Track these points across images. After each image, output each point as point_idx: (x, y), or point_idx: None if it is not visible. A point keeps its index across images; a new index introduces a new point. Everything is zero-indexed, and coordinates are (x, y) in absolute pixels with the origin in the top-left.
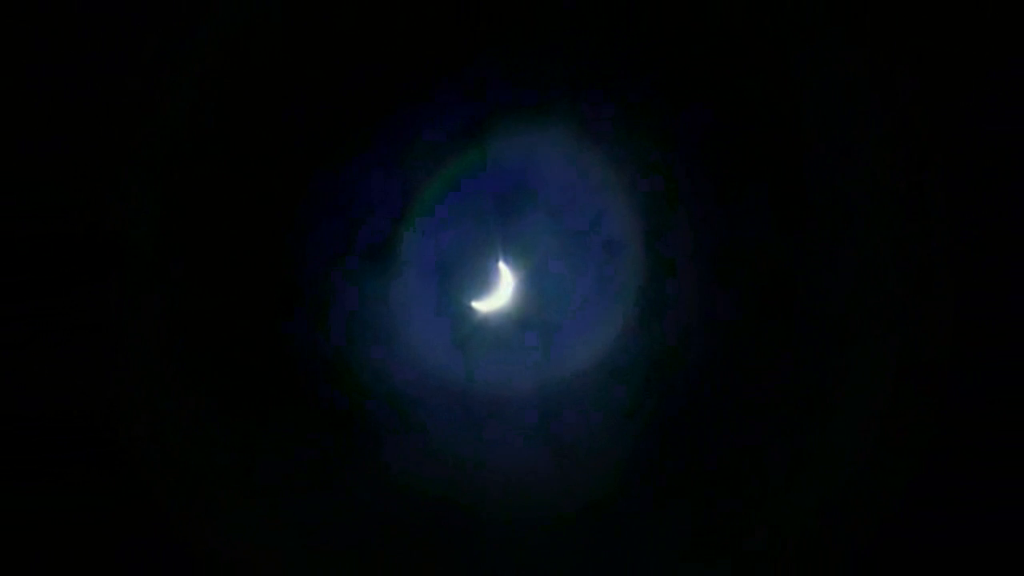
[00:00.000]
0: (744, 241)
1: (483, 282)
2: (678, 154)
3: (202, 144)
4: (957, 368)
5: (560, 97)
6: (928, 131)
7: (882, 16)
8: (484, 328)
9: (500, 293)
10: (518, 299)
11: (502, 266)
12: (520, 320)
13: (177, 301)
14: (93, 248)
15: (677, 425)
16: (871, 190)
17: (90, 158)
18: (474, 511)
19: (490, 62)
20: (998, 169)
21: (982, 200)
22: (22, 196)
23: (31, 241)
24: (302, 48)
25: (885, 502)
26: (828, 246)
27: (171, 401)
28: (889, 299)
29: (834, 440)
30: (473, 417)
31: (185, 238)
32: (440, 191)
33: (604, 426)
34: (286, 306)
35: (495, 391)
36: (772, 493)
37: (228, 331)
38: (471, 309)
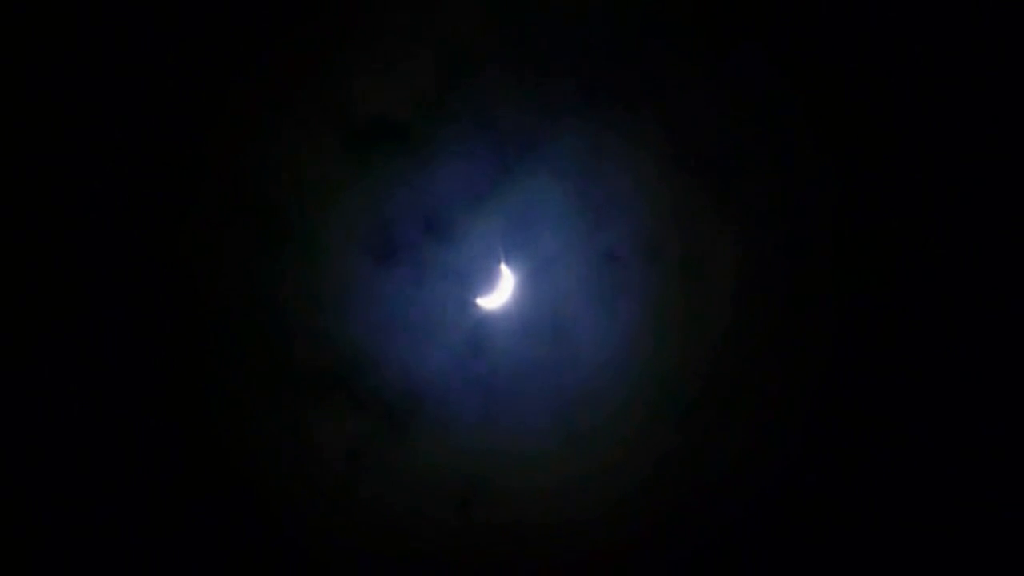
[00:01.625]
0: (733, 247)
1: (490, 283)
2: (676, 169)
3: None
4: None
5: (568, 114)
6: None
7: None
8: (490, 323)
9: (503, 293)
10: (521, 298)
11: (505, 269)
12: (522, 317)
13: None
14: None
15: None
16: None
17: (157, 179)
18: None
19: (503, 88)
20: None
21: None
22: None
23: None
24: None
25: None
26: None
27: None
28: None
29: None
30: (487, 399)
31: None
32: (457, 204)
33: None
34: (327, 306)
35: (506, 378)
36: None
37: (283, 331)
38: (478, 307)
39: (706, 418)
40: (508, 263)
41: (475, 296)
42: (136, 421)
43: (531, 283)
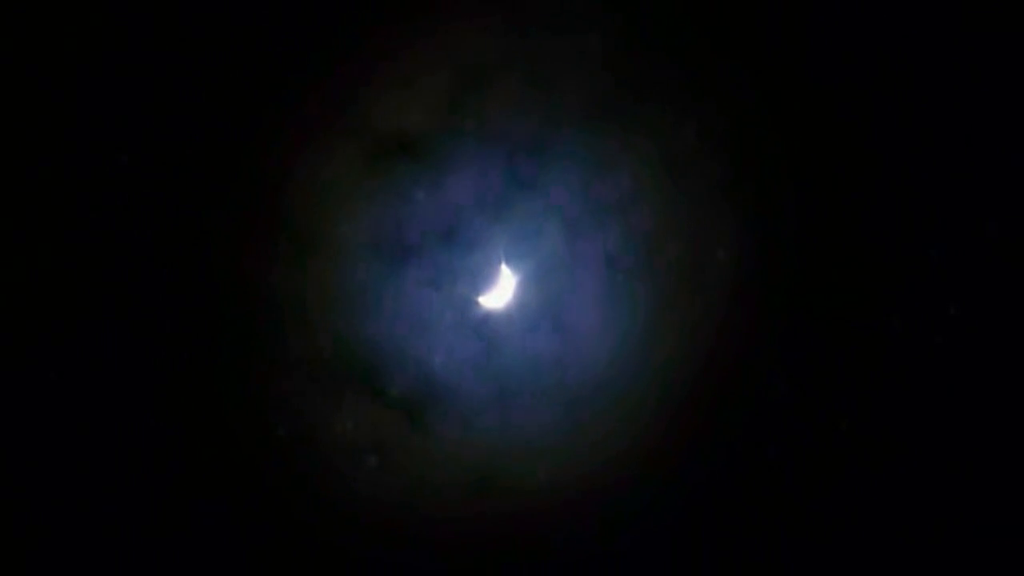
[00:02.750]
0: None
1: (501, 285)
2: (676, 176)
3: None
4: None
5: (573, 126)
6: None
7: None
8: (501, 322)
9: (514, 294)
10: (529, 299)
11: (515, 271)
12: (531, 316)
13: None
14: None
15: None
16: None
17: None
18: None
19: (513, 102)
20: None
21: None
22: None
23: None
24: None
25: None
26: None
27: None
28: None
29: None
30: (500, 393)
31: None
32: (470, 210)
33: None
34: (350, 308)
35: (517, 373)
36: None
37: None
38: (490, 307)
39: (703, 410)
40: (518, 266)
41: (488, 297)
42: (172, 418)
43: (539, 284)
